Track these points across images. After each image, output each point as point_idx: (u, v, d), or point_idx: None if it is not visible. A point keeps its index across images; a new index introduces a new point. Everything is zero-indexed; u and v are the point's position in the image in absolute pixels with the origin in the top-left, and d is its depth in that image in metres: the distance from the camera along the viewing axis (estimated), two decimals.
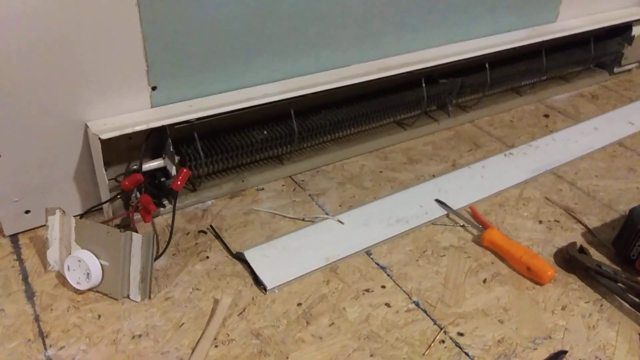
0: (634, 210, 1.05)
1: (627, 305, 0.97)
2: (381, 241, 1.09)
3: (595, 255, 1.09)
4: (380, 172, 1.31)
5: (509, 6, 1.53)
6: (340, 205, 1.19)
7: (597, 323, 0.95)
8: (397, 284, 1.00)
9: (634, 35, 1.77)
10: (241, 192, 1.22)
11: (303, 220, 1.15)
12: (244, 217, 1.14)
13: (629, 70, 1.90)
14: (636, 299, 0.97)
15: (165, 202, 1.13)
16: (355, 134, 1.40)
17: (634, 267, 1.05)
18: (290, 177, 1.28)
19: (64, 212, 0.96)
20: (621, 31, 1.77)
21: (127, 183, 1.03)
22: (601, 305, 0.98)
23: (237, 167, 1.26)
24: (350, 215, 1.16)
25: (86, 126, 1.02)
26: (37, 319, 0.90)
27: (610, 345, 0.91)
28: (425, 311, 0.95)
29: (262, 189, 1.23)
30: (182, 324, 0.91)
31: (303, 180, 1.27)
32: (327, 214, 1.16)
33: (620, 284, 0.99)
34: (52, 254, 0.99)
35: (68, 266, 0.94)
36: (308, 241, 1.08)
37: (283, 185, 1.25)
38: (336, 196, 1.22)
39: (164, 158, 1.10)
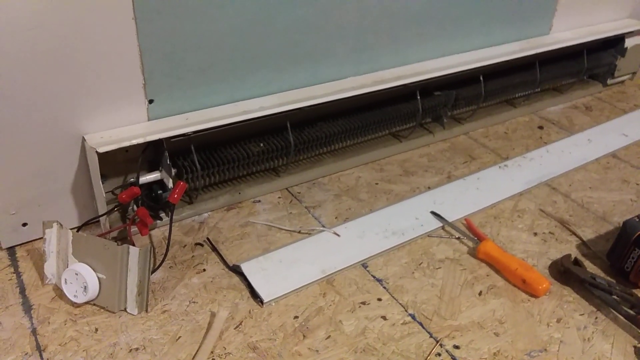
0: (627, 223, 1.06)
1: (622, 318, 0.98)
2: (377, 253, 1.10)
3: (590, 267, 1.10)
4: (376, 184, 1.32)
5: (503, 19, 1.54)
6: (336, 218, 1.20)
7: (592, 335, 0.95)
8: (393, 297, 1.01)
9: (627, 47, 1.79)
10: (238, 205, 1.22)
11: (299, 232, 1.15)
12: (241, 229, 1.15)
13: (622, 81, 1.91)
14: (630, 311, 0.97)
15: (162, 214, 1.14)
16: (351, 146, 1.41)
17: (628, 279, 1.05)
18: (286, 189, 1.28)
19: (61, 225, 0.97)
20: (614, 43, 1.79)
21: (124, 196, 1.03)
22: (596, 318, 0.99)
23: (233, 180, 1.26)
24: (346, 228, 1.16)
25: (83, 139, 1.03)
26: (34, 332, 0.90)
27: (605, 357, 0.91)
28: (421, 324, 0.96)
29: (259, 201, 1.24)
30: (179, 337, 0.91)
31: (299, 193, 1.27)
32: (323, 226, 1.17)
33: (614, 296, 1.00)
34: (50, 267, 0.99)
35: (65, 279, 0.94)
36: (304, 254, 1.09)
37: (279, 198, 1.25)
38: (332, 208, 1.23)
39: (160, 171, 1.10)
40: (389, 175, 1.36)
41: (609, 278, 1.06)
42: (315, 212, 1.21)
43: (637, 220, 1.06)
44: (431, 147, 1.48)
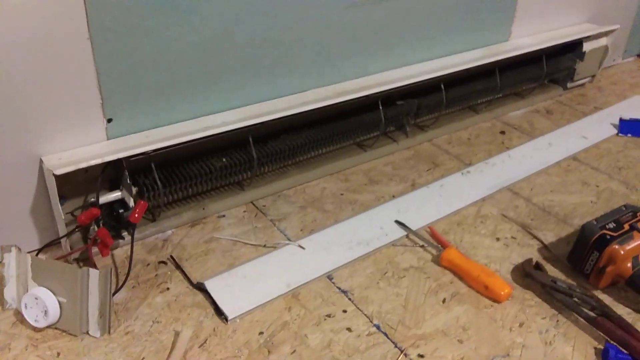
0: (585, 226, 1.08)
1: (583, 320, 0.99)
2: (342, 265, 1.10)
3: (551, 270, 1.11)
4: (341, 194, 1.32)
5: (463, 27, 1.57)
6: (301, 230, 1.20)
7: (553, 339, 0.96)
8: (358, 308, 1.01)
9: (585, 51, 1.82)
10: (202, 220, 1.22)
11: (264, 246, 1.15)
12: (205, 245, 1.14)
13: (582, 85, 1.95)
14: (591, 313, 0.99)
15: (125, 233, 1.13)
16: (315, 157, 1.41)
17: (588, 281, 1.07)
18: (251, 202, 1.28)
19: (19, 249, 0.95)
20: (573, 47, 1.82)
21: (83, 218, 1.02)
22: (557, 321, 1.00)
23: (197, 195, 1.25)
24: (312, 240, 1.16)
25: (41, 161, 1.02)
26: None
27: None
28: (386, 334, 0.96)
29: (224, 215, 1.23)
30: (143, 358, 0.90)
31: (264, 206, 1.27)
32: (288, 239, 1.17)
33: (575, 299, 1.01)
34: (9, 292, 0.97)
35: (25, 304, 0.93)
36: (269, 268, 1.08)
37: (244, 212, 1.25)
38: (297, 220, 1.23)
39: (121, 190, 1.09)
40: (354, 185, 1.36)
41: (570, 281, 1.08)
42: (280, 225, 1.21)
43: (595, 223, 1.08)
44: (395, 155, 1.49)
